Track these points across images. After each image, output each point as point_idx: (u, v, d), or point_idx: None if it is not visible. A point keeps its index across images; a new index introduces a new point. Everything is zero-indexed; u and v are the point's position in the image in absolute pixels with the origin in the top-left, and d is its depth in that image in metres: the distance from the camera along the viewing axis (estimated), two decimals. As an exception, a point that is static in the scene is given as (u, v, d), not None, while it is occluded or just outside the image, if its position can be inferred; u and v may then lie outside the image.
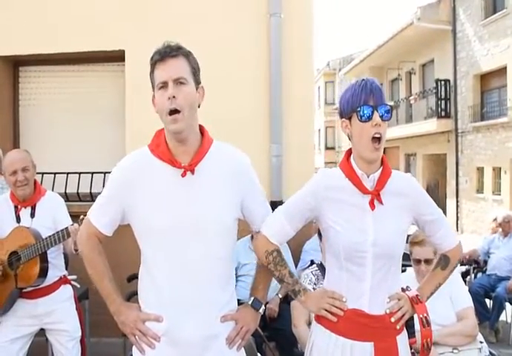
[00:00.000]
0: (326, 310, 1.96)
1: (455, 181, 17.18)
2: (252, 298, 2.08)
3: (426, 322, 2.04)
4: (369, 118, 1.87)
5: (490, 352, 3.31)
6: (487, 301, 5.71)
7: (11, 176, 3.15)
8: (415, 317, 2.04)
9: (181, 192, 1.87)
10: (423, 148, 19.34)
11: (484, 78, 15.92)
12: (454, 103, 16.96)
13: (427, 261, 3.16)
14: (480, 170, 16.06)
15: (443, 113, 17.10)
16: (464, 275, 6.09)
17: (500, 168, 14.94)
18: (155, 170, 1.89)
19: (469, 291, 3.63)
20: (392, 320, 1.95)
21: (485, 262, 6.12)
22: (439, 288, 2.14)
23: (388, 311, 1.95)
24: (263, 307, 2.09)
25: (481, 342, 3.26)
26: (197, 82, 1.92)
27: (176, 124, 1.83)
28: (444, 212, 17.12)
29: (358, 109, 1.88)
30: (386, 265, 1.95)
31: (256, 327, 2.09)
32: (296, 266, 4.56)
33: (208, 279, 1.89)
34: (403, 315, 1.98)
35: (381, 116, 1.87)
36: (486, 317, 5.47)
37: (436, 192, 19.02)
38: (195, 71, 1.92)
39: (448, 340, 3.15)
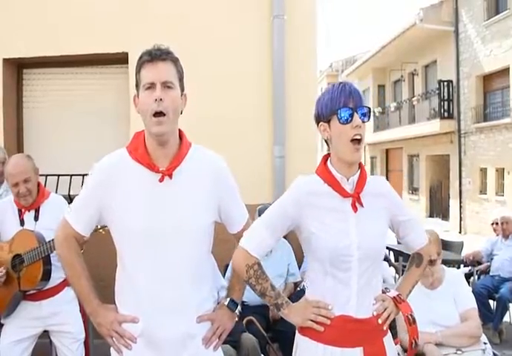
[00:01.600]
0: (312, 320, 1.92)
1: (459, 182, 17.14)
2: (228, 299, 2.09)
3: (412, 320, 2.05)
4: (349, 120, 1.87)
5: (494, 353, 3.32)
6: (491, 302, 5.71)
7: (13, 187, 3.15)
8: (399, 317, 2.06)
9: (158, 196, 1.88)
10: (426, 149, 19.33)
11: (487, 79, 15.90)
12: (457, 104, 16.94)
13: (431, 261, 3.16)
14: (483, 171, 16.03)
15: (446, 114, 17.09)
16: (468, 276, 6.08)
17: (503, 169, 14.91)
18: (132, 173, 1.90)
19: (472, 292, 3.63)
20: (380, 321, 1.94)
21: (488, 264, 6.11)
22: (416, 285, 2.16)
23: (375, 313, 1.95)
24: (239, 307, 2.10)
25: (484, 343, 3.27)
26: (182, 89, 1.94)
27: (160, 126, 1.84)
28: (448, 213, 17.17)
29: (338, 111, 1.87)
30: (371, 267, 1.94)
31: (232, 327, 2.09)
32: (299, 268, 4.57)
33: (184, 280, 1.90)
34: (389, 316, 1.97)
35: (361, 117, 1.88)
36: (489, 318, 5.45)
37: (439, 193, 19.02)
38: (181, 77, 1.94)
39: (452, 341, 3.16)
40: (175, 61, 1.92)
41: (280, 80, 4.96)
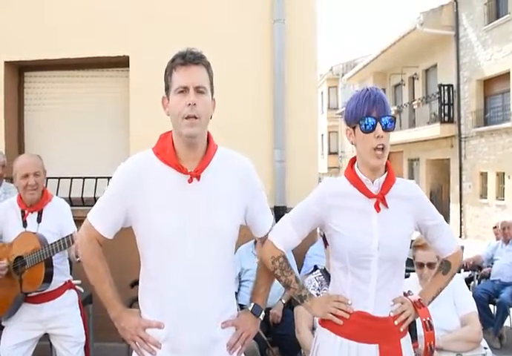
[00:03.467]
0: (332, 314, 1.99)
1: (459, 186, 17.14)
2: (252, 304, 2.09)
3: (429, 326, 2.08)
4: (372, 129, 1.91)
5: (494, 358, 3.30)
6: (491, 307, 5.70)
7: (22, 179, 3.15)
8: (418, 320, 2.08)
9: (187, 198, 1.86)
10: (426, 153, 19.33)
11: (488, 83, 15.92)
12: (457, 108, 16.95)
13: (430, 265, 3.17)
14: (483, 175, 16.04)
15: (446, 118, 17.10)
16: (468, 281, 6.07)
17: (503, 173, 14.92)
18: (160, 175, 1.88)
19: (473, 296, 3.62)
20: (396, 322, 1.98)
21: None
22: (441, 292, 2.17)
23: (392, 314, 1.98)
24: (263, 313, 2.10)
25: (485, 348, 3.26)
26: (212, 93, 1.94)
27: (192, 128, 1.83)
28: (448, 217, 17.20)
29: (361, 120, 1.92)
30: (391, 268, 1.98)
31: (256, 332, 2.10)
32: (299, 271, 4.56)
33: (211, 285, 1.89)
34: (406, 318, 2.00)
35: (385, 126, 1.91)
36: (490, 322, 5.44)
37: (440, 197, 18.99)
38: (212, 82, 1.93)
39: (452, 346, 3.15)
40: (207, 65, 1.91)
41: (281, 84, 4.97)
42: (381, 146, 1.92)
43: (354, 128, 1.98)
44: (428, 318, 2.07)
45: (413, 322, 2.08)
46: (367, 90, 1.97)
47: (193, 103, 1.81)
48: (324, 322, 2.06)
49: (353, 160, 2.08)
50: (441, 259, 2.19)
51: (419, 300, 2.07)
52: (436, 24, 16.61)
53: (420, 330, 2.10)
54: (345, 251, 1.97)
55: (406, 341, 2.03)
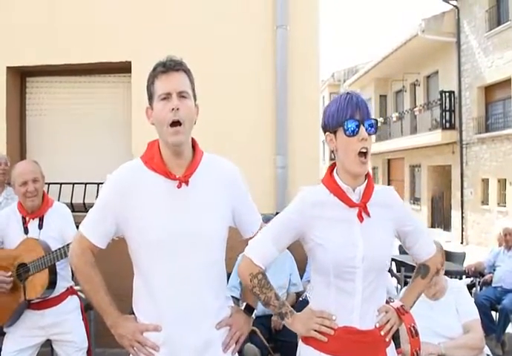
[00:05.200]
0: (315, 330, 1.91)
1: (460, 192, 17.12)
2: (244, 304, 2.13)
3: (414, 332, 2.03)
4: (356, 132, 1.85)
5: (497, 365, 3.29)
6: (493, 313, 5.68)
7: (21, 186, 3.15)
8: (402, 327, 2.03)
9: (176, 203, 1.90)
10: (428, 160, 19.33)
11: (489, 89, 15.93)
12: (459, 114, 16.95)
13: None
14: (485, 181, 16.02)
15: (447, 125, 17.10)
16: (470, 287, 6.06)
17: (505, 180, 14.90)
18: (149, 182, 1.91)
19: (474, 303, 3.61)
20: (382, 333, 1.93)
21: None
22: (420, 296, 2.16)
23: (378, 325, 1.93)
24: (255, 311, 2.13)
25: (487, 355, 3.25)
26: (195, 99, 1.97)
27: (177, 136, 1.86)
28: (449, 223, 17.12)
29: (344, 123, 1.85)
30: (376, 278, 1.93)
31: (249, 331, 2.12)
32: (301, 277, 4.55)
33: (205, 287, 1.92)
34: (391, 327, 1.96)
35: (367, 130, 1.86)
36: (492, 329, 5.42)
37: (441, 203, 18.98)
38: (193, 88, 1.97)
39: (454, 353, 3.14)
40: (188, 71, 1.95)
41: (283, 90, 4.98)
42: (364, 150, 1.86)
43: (335, 133, 1.89)
44: (413, 324, 2.02)
45: (396, 330, 2.01)
46: (348, 93, 1.91)
47: (176, 107, 1.84)
48: (307, 340, 1.96)
49: (332, 167, 2.00)
50: (419, 263, 2.14)
51: (402, 306, 2.03)
52: (438, 30, 16.65)
53: (406, 336, 2.05)
54: (328, 264, 1.88)
55: (391, 350, 1.99)
